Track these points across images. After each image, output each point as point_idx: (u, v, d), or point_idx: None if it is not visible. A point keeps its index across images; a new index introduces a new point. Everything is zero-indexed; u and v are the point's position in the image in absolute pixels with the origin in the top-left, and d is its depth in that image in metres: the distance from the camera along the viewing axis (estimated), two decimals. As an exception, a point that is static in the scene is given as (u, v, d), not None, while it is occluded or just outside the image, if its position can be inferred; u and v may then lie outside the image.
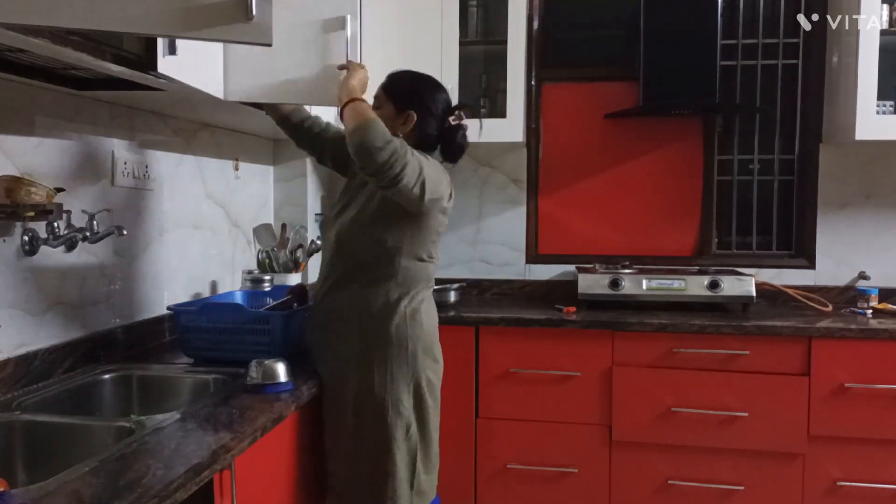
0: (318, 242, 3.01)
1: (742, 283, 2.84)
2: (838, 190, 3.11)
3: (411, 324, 1.82)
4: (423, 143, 1.90)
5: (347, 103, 1.70)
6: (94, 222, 1.79)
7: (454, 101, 2.90)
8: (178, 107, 2.12)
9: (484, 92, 3.23)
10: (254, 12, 1.23)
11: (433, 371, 1.88)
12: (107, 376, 1.83)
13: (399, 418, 1.81)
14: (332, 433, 1.87)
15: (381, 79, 2.03)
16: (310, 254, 2.94)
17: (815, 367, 2.56)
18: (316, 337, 1.93)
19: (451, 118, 1.92)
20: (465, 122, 1.94)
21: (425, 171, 1.71)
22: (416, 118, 1.87)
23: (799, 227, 3.18)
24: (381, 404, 1.80)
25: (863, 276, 3.07)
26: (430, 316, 1.90)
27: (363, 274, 1.83)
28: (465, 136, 1.94)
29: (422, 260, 1.85)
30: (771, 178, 3.20)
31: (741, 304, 2.86)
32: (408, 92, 1.89)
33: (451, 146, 1.92)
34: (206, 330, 1.97)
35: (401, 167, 1.64)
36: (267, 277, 2.57)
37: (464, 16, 3.07)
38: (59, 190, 1.72)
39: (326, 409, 1.87)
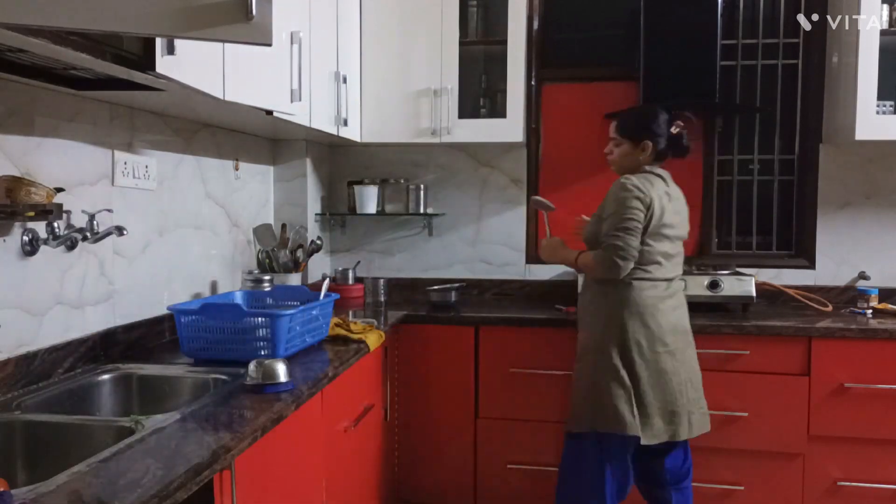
0: (319, 242, 3.02)
1: (742, 283, 2.84)
2: (838, 190, 3.11)
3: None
4: (658, 157, 2.39)
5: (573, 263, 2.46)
6: (94, 222, 1.80)
7: (456, 102, 2.93)
8: (178, 107, 2.12)
9: (484, 92, 3.23)
10: (254, 12, 1.23)
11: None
12: (107, 376, 1.84)
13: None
14: None
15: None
16: (310, 253, 2.94)
17: (815, 367, 2.56)
18: None
19: (673, 130, 2.38)
20: (683, 124, 2.41)
21: (622, 236, 2.24)
22: (651, 146, 2.36)
23: (799, 227, 3.18)
24: None
25: (863, 276, 3.07)
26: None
27: None
28: (686, 138, 2.42)
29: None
30: (771, 178, 3.20)
31: (741, 304, 2.85)
32: (638, 127, 2.39)
33: (678, 149, 2.41)
34: (206, 330, 1.98)
35: (621, 262, 2.23)
36: (267, 277, 2.58)
37: (464, 16, 3.07)
38: (59, 190, 1.72)
39: None
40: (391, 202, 3.36)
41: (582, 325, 2.44)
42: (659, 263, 2.32)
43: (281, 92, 2.20)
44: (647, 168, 2.37)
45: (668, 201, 2.33)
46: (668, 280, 2.36)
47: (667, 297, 2.36)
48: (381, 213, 3.30)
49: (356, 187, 3.24)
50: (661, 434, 2.28)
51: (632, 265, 2.25)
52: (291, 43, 2.22)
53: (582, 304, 2.47)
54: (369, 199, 3.21)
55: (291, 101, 2.23)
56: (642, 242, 2.28)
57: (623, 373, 2.27)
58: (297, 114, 2.35)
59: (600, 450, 2.31)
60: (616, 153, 2.44)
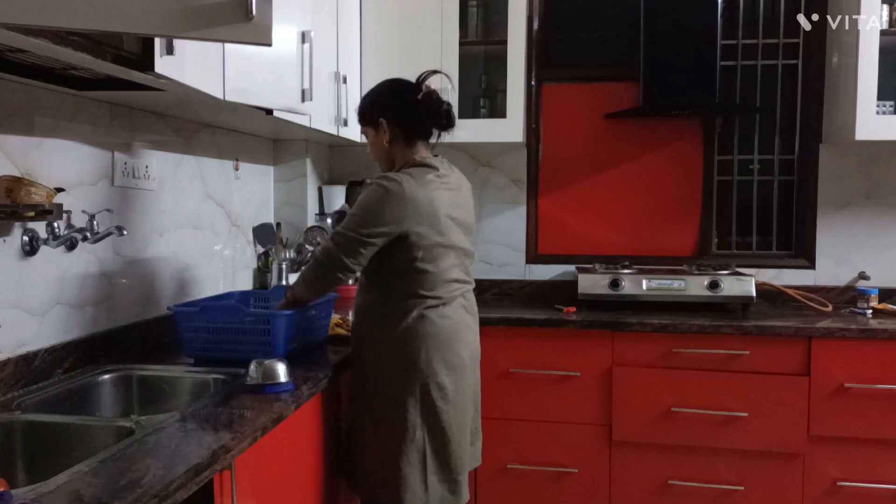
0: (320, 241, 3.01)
1: (742, 284, 2.84)
2: (838, 190, 3.11)
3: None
4: (413, 134, 1.96)
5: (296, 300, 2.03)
6: (94, 222, 1.79)
7: (456, 102, 2.92)
8: (178, 107, 2.12)
9: (484, 92, 3.23)
10: (254, 12, 1.23)
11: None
12: (107, 376, 1.84)
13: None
14: None
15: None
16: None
17: (815, 368, 2.56)
18: None
19: (418, 96, 1.95)
20: (431, 87, 1.98)
21: (340, 243, 1.86)
22: (385, 122, 1.95)
23: (799, 228, 3.18)
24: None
25: (863, 276, 3.07)
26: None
27: None
28: (439, 101, 1.97)
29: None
30: (771, 179, 3.20)
31: (741, 305, 2.85)
32: (367, 108, 2.01)
33: (435, 117, 1.97)
34: (206, 330, 1.97)
35: (331, 279, 1.92)
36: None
37: (464, 16, 3.07)
38: (59, 190, 1.72)
39: None
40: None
41: (363, 364, 1.97)
42: (456, 281, 1.95)
43: (286, 91, 2.19)
44: (419, 160, 1.94)
45: (447, 194, 1.93)
46: (464, 295, 2.00)
47: (470, 316, 2.03)
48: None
49: (324, 188, 3.24)
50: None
51: (350, 277, 1.90)
52: (302, 42, 2.21)
53: (359, 340, 2.01)
54: (337, 200, 3.23)
55: (303, 101, 2.22)
56: (420, 263, 1.87)
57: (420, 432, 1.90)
58: (301, 113, 2.35)
59: None
60: (368, 148, 2.04)
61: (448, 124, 1.99)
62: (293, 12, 2.18)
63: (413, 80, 1.99)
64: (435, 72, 2.00)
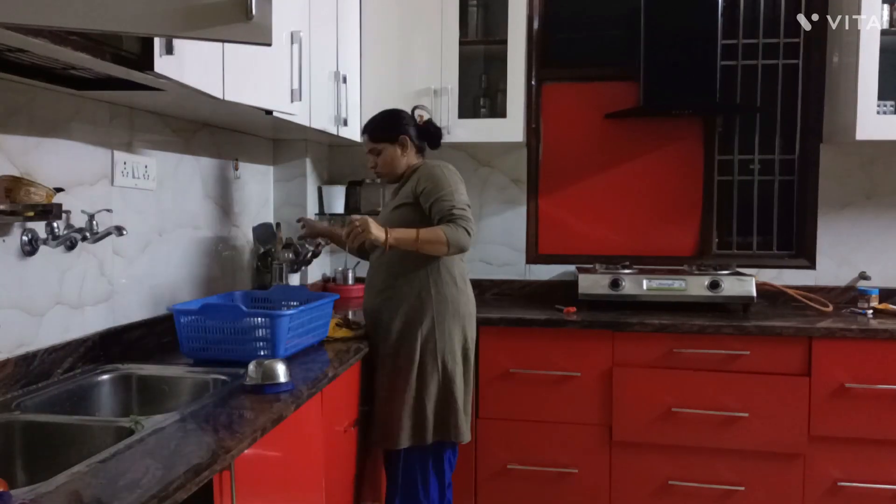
0: (322, 242, 3.01)
1: (742, 284, 2.84)
2: (839, 190, 3.11)
3: None
4: (420, 147, 2.41)
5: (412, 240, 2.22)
6: (94, 222, 1.79)
7: (456, 102, 2.94)
8: (177, 107, 2.12)
9: (484, 92, 3.23)
10: (253, 12, 1.23)
11: None
12: (107, 376, 1.83)
13: None
14: None
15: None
16: (310, 260, 2.93)
17: (816, 368, 2.56)
18: None
19: (419, 120, 2.43)
20: (425, 115, 2.47)
21: (467, 210, 2.27)
22: (408, 139, 2.37)
23: (799, 228, 3.18)
24: None
25: (863, 276, 3.07)
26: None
27: None
28: (433, 124, 2.46)
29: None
30: (771, 179, 3.20)
31: (742, 305, 2.85)
32: (389, 127, 2.39)
33: (431, 138, 2.44)
34: (206, 330, 1.97)
35: (471, 238, 2.26)
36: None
37: (464, 16, 3.07)
38: (59, 190, 1.72)
39: None
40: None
41: (394, 321, 2.31)
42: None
43: (281, 92, 2.20)
44: (420, 162, 2.39)
45: None
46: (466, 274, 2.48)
47: (470, 290, 2.47)
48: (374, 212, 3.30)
49: (324, 187, 3.23)
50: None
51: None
52: (292, 42, 2.23)
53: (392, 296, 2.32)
54: (337, 200, 3.22)
55: (292, 101, 2.24)
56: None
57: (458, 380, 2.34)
58: (297, 113, 2.35)
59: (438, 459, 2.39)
60: (382, 162, 2.37)
61: (438, 144, 2.48)
62: (286, 12, 2.18)
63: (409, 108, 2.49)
64: (422, 107, 2.52)
